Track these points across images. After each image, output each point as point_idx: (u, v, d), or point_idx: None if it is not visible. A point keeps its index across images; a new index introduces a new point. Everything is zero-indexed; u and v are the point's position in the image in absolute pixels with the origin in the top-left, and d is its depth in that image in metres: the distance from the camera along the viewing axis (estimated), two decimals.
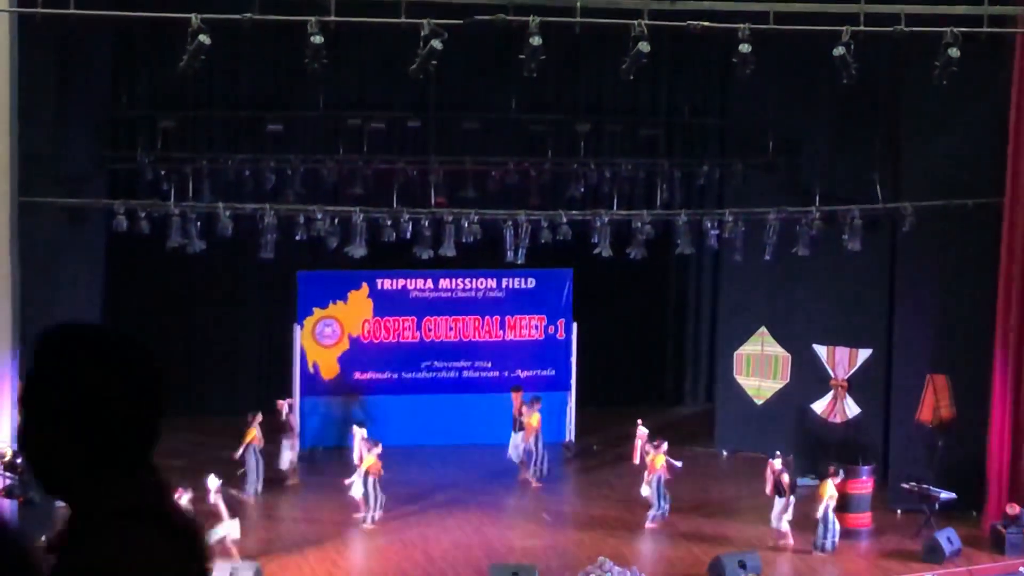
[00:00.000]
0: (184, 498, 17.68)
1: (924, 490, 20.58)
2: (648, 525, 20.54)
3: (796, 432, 23.27)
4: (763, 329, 24.34)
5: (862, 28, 17.17)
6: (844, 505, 20.04)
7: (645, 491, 20.76)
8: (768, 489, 20.15)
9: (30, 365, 2.39)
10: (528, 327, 24.89)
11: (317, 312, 24.17)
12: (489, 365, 24.77)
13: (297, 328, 24.06)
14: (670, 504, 20.69)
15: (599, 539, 19.94)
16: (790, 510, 19.74)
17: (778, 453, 20.60)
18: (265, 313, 25.97)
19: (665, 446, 20.84)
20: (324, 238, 21.49)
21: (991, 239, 20.35)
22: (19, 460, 15.60)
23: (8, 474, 15.97)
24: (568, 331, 24.92)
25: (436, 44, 16.24)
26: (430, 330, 24.57)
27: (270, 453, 21.83)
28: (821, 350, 23.21)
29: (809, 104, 22.87)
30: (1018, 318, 20.05)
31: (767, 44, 17.54)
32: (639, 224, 21.95)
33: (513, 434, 22.60)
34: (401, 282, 24.39)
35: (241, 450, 21.22)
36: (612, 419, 24.84)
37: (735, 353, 24.79)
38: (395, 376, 24.54)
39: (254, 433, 21.29)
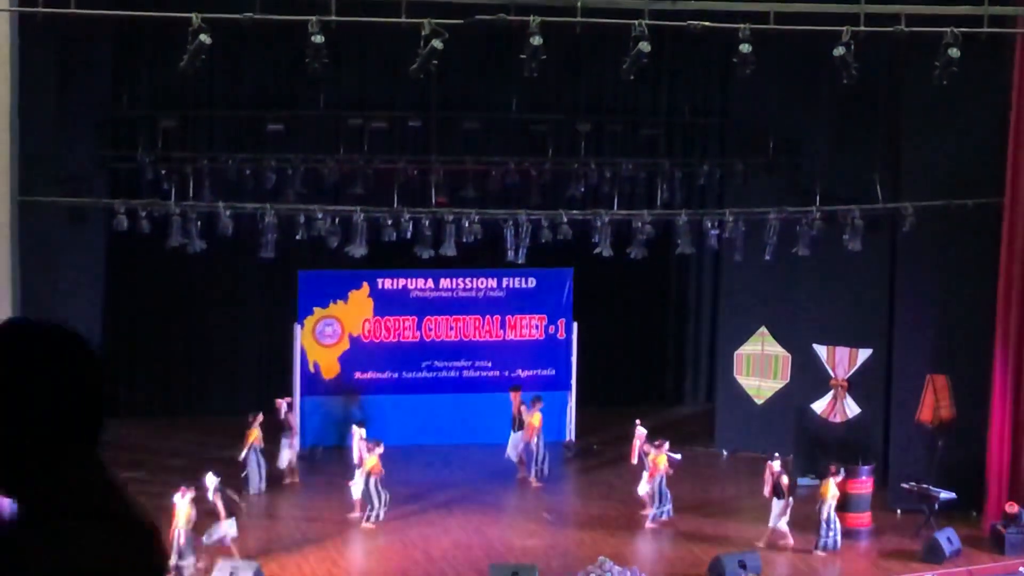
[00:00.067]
0: (186, 497, 17.72)
1: (924, 490, 20.57)
2: (648, 525, 20.53)
3: (796, 432, 23.26)
4: (763, 329, 24.33)
5: (862, 28, 17.16)
6: (844, 505, 20.02)
7: (643, 489, 20.76)
8: (767, 491, 20.14)
9: None
10: (528, 327, 24.87)
11: (317, 312, 24.14)
12: (489, 365, 24.74)
13: (297, 328, 24.03)
14: (671, 503, 20.70)
15: (599, 539, 19.94)
16: (789, 511, 19.74)
17: (777, 454, 20.58)
18: (265, 313, 25.93)
19: (667, 446, 20.84)
20: (325, 238, 21.47)
21: (991, 239, 20.35)
22: None
23: None
24: (568, 331, 24.90)
25: (437, 44, 16.24)
26: (430, 330, 24.55)
27: (271, 452, 21.82)
28: (821, 350, 23.19)
29: (809, 104, 22.87)
30: (1018, 318, 20.05)
31: (767, 44, 17.55)
32: (639, 224, 21.92)
33: (512, 433, 22.60)
34: (401, 282, 24.38)
35: (244, 452, 21.19)
36: (612, 419, 24.80)
37: (735, 353, 24.78)
38: (395, 376, 24.52)
39: (256, 434, 21.25)
